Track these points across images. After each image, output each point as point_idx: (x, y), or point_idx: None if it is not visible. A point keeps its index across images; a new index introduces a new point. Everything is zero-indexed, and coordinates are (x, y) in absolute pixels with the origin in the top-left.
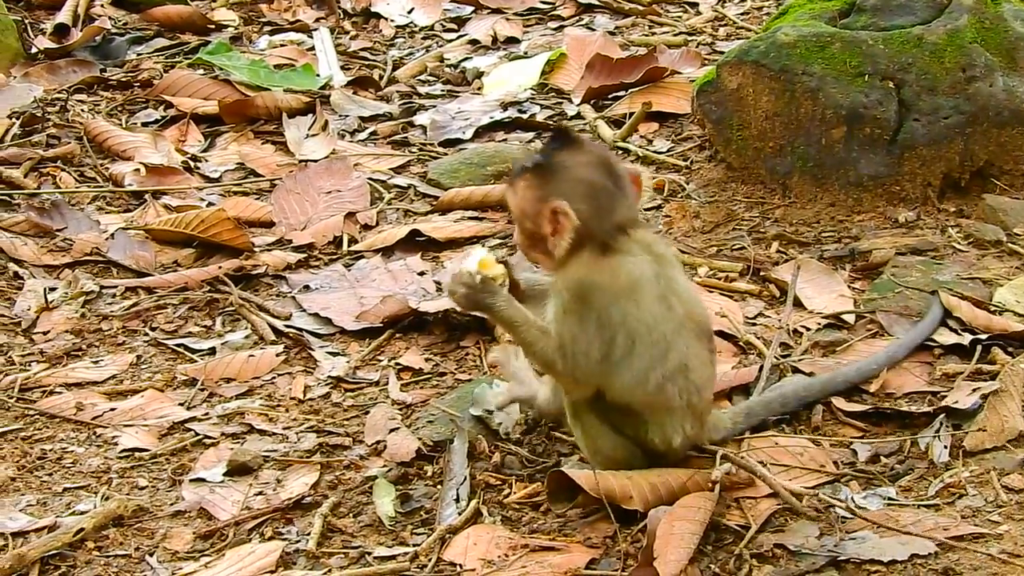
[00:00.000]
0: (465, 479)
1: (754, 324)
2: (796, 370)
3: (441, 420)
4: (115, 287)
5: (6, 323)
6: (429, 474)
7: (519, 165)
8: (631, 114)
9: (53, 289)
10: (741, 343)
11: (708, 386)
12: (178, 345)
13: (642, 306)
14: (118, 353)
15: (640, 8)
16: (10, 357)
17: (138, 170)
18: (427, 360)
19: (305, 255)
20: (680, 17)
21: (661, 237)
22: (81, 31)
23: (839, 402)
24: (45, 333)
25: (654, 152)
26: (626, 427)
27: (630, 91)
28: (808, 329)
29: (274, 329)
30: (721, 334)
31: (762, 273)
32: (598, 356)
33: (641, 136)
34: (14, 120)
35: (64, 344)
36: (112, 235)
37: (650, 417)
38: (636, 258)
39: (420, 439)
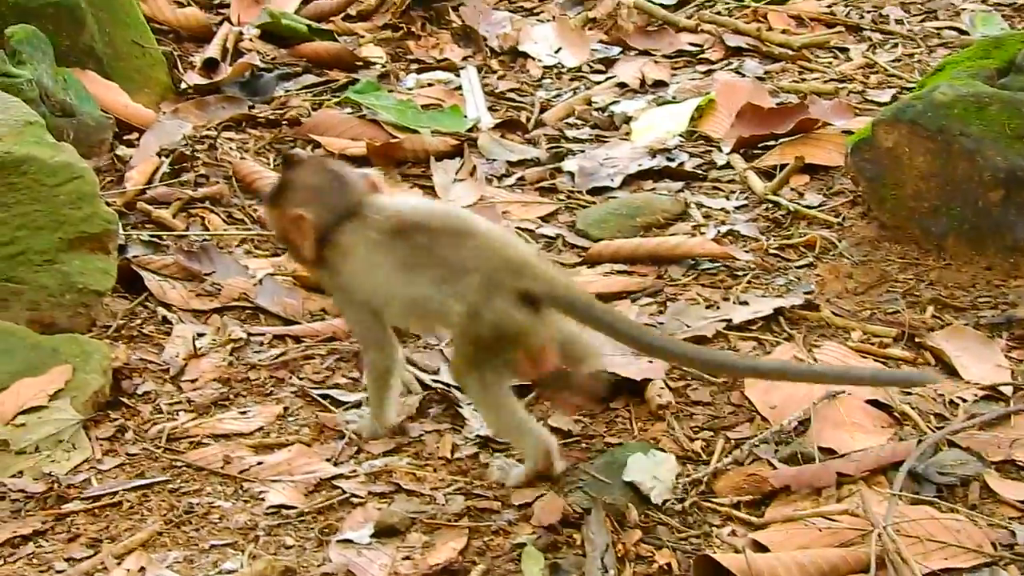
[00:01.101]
0: (608, 547)
1: (909, 393)
2: (952, 444)
3: (590, 485)
4: (263, 335)
5: (155, 370)
6: (577, 542)
7: (264, 195)
8: (782, 166)
9: (201, 335)
10: (896, 413)
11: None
12: (325, 397)
13: (372, 267)
14: (265, 404)
15: (790, 53)
16: (159, 405)
17: None
18: (575, 422)
19: None
20: (830, 64)
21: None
22: (230, 66)
23: (995, 481)
24: (193, 381)
25: (805, 207)
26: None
27: (781, 141)
28: (964, 400)
29: (421, 383)
30: (876, 403)
31: (917, 340)
32: (375, 325)
33: (792, 189)
34: (164, 158)
35: (212, 393)
36: (260, 281)
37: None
38: (365, 231)
39: (568, 504)
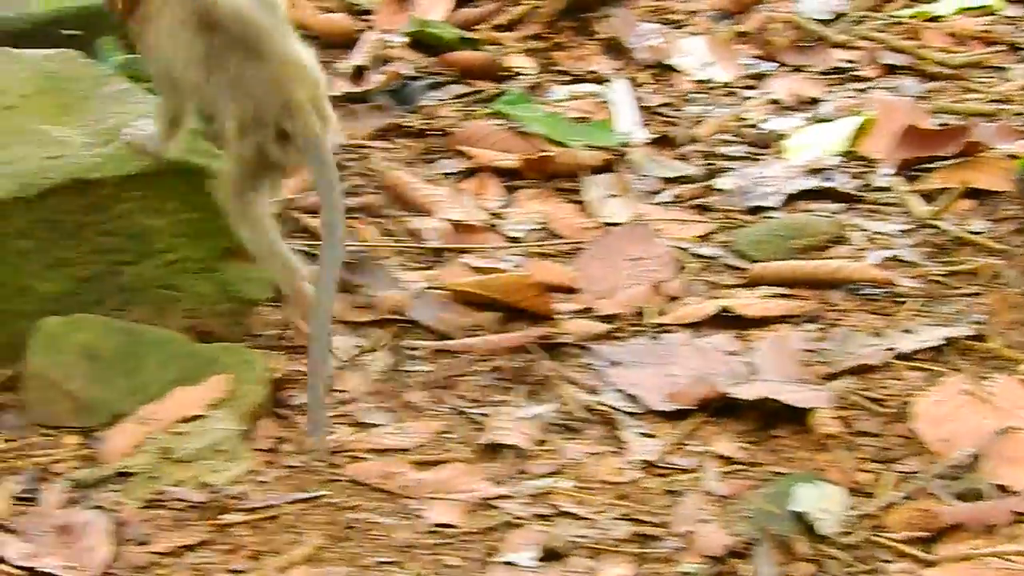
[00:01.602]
0: None
1: None
2: None
3: (756, 515)
4: (419, 349)
5: None
6: (744, 573)
7: None
8: (944, 190)
9: (357, 348)
10: None
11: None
12: (483, 415)
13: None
14: (423, 420)
15: (947, 72)
16: None
17: (441, 227)
18: (740, 449)
19: (610, 326)
20: (989, 84)
21: None
22: (377, 73)
23: None
24: (350, 394)
25: (970, 233)
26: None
27: (943, 164)
28: None
29: (582, 404)
30: None
31: None
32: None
33: (955, 214)
34: None
35: (369, 407)
36: (415, 294)
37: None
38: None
39: (733, 534)
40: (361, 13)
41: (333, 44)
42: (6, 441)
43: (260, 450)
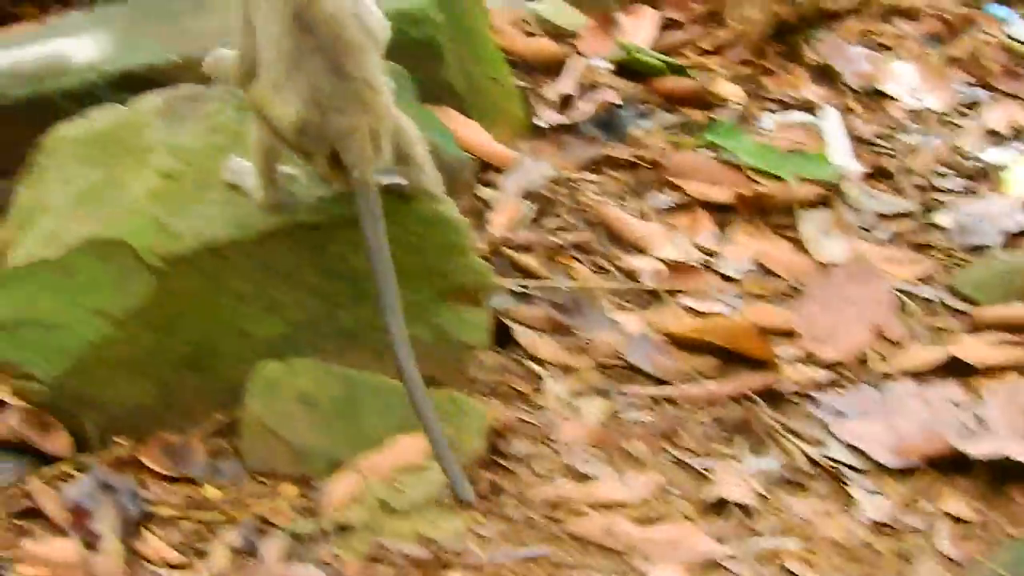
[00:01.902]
0: None
1: None
2: None
3: None
4: (636, 396)
5: (529, 429)
6: None
7: None
8: None
9: (574, 394)
10: None
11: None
12: (705, 468)
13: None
14: (643, 472)
15: None
16: (534, 468)
17: (655, 265)
18: (972, 509)
19: (832, 373)
20: None
21: None
22: (584, 101)
23: None
24: (567, 443)
25: None
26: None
27: None
28: None
29: (808, 457)
30: None
31: None
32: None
33: None
34: (526, 201)
35: (587, 457)
36: (631, 337)
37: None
38: None
39: None
40: (566, 37)
41: (539, 69)
42: (223, 490)
43: (479, 501)
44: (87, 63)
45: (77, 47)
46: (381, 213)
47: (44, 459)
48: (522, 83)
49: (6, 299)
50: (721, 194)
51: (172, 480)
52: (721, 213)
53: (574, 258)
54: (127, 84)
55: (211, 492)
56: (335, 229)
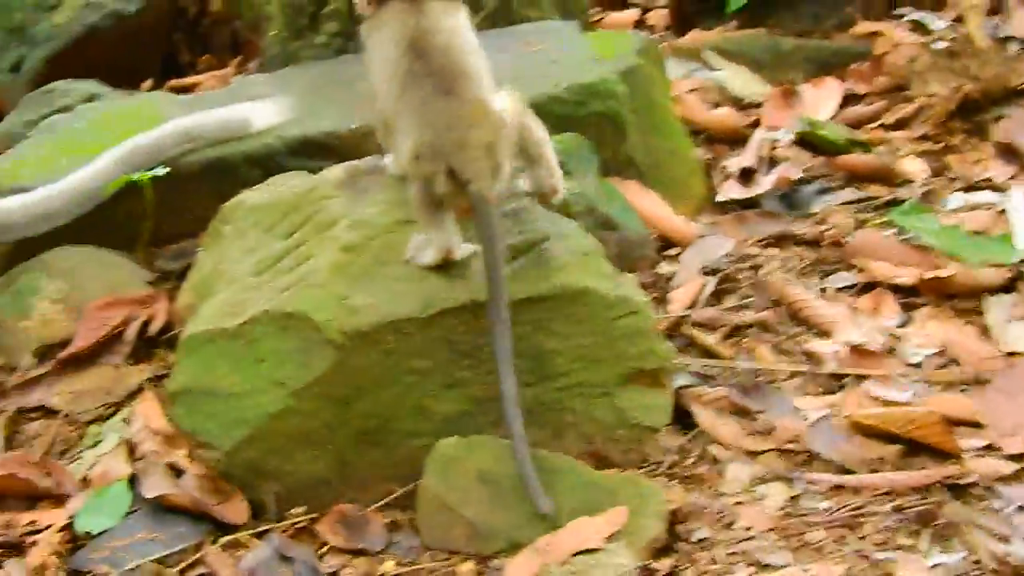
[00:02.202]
0: None
1: None
2: None
3: None
4: (818, 483)
5: (709, 514)
6: None
7: None
8: None
9: (755, 479)
10: None
11: (431, 121)
12: (889, 560)
13: (380, 43)
14: (826, 562)
15: None
16: (714, 555)
17: (838, 349)
18: None
19: (1018, 466)
20: None
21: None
22: (765, 175)
23: None
24: (748, 530)
25: None
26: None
27: None
28: None
29: (993, 553)
30: None
31: None
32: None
33: None
34: (707, 278)
35: (768, 546)
36: (814, 423)
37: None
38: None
39: None
40: (748, 107)
41: (720, 140)
42: (399, 565)
43: None
44: (268, 128)
45: (258, 112)
46: (501, 232)
47: (221, 527)
48: (703, 154)
49: (185, 367)
50: (905, 276)
51: (349, 552)
52: (906, 296)
53: (756, 338)
54: (307, 150)
55: (388, 566)
56: (519, 307)
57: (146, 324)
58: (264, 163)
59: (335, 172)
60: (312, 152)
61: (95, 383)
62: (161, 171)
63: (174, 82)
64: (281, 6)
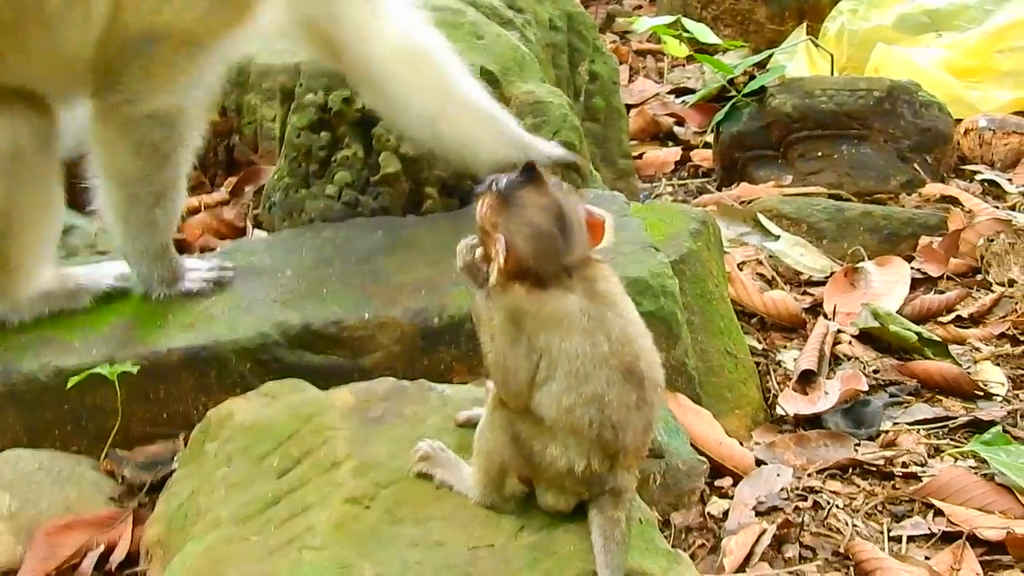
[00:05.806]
0: None
1: None
2: None
3: None
4: None
5: None
6: None
7: (491, 181)
8: None
9: None
10: None
11: (626, 427)
12: None
13: (565, 337)
14: None
15: None
16: None
17: None
18: None
19: None
20: None
21: (610, 275)
22: (829, 381)
23: None
24: None
25: None
26: (534, 438)
27: None
28: None
29: None
30: None
31: None
32: (526, 376)
33: None
34: (764, 520)
35: None
36: None
37: (559, 434)
38: (566, 294)
39: None
40: (808, 286)
41: (777, 327)
42: None
43: None
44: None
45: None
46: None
47: None
48: (758, 345)
49: None
50: (990, 527)
51: None
52: (989, 551)
53: None
54: (309, 342)
55: None
56: (556, 534)
57: (106, 554)
58: (257, 356)
59: (342, 396)
60: (315, 344)
61: None
62: (132, 367)
63: None
64: (289, 141)
